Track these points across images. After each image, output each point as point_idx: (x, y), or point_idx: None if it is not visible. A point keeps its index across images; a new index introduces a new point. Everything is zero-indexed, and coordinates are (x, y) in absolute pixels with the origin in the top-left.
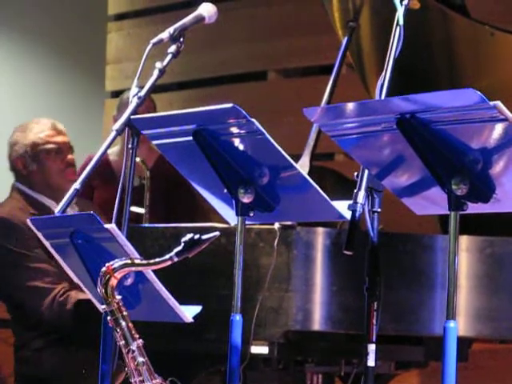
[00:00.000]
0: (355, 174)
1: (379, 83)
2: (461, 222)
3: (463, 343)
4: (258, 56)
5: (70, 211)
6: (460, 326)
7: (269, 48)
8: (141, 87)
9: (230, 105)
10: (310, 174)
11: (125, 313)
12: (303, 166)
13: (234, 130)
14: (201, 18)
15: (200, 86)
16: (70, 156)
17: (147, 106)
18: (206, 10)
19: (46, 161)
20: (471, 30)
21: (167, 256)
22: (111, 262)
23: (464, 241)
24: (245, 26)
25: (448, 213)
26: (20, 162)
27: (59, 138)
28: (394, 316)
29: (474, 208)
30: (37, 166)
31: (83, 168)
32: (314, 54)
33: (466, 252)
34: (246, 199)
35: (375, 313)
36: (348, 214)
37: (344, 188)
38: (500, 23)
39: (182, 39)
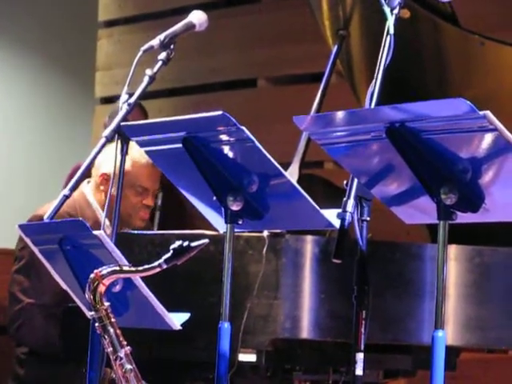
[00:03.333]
0: (344, 182)
1: (369, 92)
2: (449, 231)
3: (451, 352)
4: (248, 63)
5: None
6: (448, 335)
7: (259, 55)
8: (131, 94)
9: (219, 112)
10: (299, 181)
11: (113, 319)
12: (292, 174)
13: (224, 137)
14: (191, 26)
15: (190, 93)
16: (149, 200)
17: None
18: (197, 18)
19: (128, 192)
20: (461, 39)
21: (156, 263)
22: (100, 269)
23: (452, 250)
24: (235, 33)
25: (437, 222)
26: (103, 178)
27: (153, 180)
28: (382, 324)
29: (463, 217)
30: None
31: (71, 175)
32: (304, 62)
33: (454, 261)
34: (235, 207)
35: (363, 321)
36: (337, 223)
37: (333, 196)
38: (491, 33)
39: (172, 46)
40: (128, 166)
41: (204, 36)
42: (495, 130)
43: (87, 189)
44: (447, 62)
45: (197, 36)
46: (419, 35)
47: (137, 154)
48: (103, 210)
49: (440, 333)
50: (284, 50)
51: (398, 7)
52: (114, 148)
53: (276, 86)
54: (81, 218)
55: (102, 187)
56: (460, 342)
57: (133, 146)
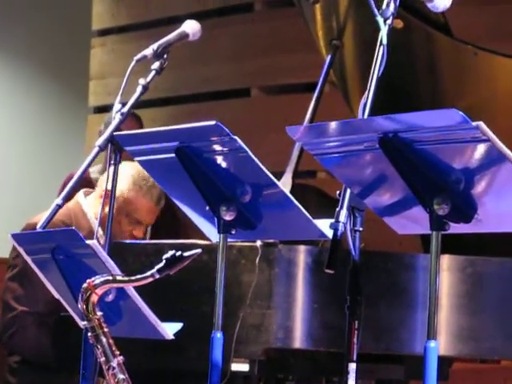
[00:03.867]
0: (337, 192)
1: (362, 102)
2: (442, 241)
3: (444, 362)
4: (242, 73)
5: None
6: (441, 345)
7: (252, 65)
8: (124, 103)
9: (212, 122)
10: (292, 191)
11: (105, 329)
12: (285, 184)
13: (217, 147)
14: (185, 35)
15: (183, 103)
16: (140, 232)
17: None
18: (190, 27)
19: (122, 218)
20: (454, 49)
21: (149, 273)
22: (92, 278)
23: (445, 260)
24: (228, 42)
25: (429, 232)
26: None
27: (150, 217)
28: (374, 334)
29: (455, 228)
30: (114, 213)
31: (64, 185)
32: (297, 72)
33: (447, 271)
34: (228, 217)
35: (356, 331)
36: (330, 233)
37: (326, 206)
38: (483, 44)
39: (165, 56)
40: (133, 195)
41: (197, 45)
42: (488, 140)
43: (83, 199)
44: (440, 72)
45: (190, 45)
46: (412, 45)
47: (145, 186)
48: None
49: (432, 343)
50: (277, 59)
51: (391, 17)
52: (128, 170)
53: (269, 95)
54: (74, 228)
55: (101, 200)
56: (453, 352)
57: (144, 175)
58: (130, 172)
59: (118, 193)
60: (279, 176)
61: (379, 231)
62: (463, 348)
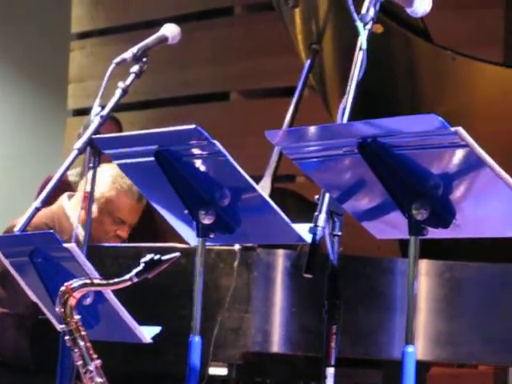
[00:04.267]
0: (316, 197)
1: (341, 107)
2: (421, 246)
3: (421, 367)
4: (221, 77)
5: None
6: (418, 349)
7: (231, 69)
8: (103, 106)
9: (192, 126)
10: (271, 195)
11: (83, 332)
12: (264, 188)
13: (196, 151)
14: (164, 39)
15: (163, 106)
16: (124, 232)
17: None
18: (170, 31)
19: (105, 218)
20: (433, 54)
21: (127, 276)
22: (70, 282)
23: (423, 265)
24: (208, 46)
25: (408, 237)
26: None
27: (133, 215)
28: (352, 339)
29: (434, 233)
30: (97, 214)
31: (42, 188)
32: (276, 76)
33: (425, 276)
34: (207, 220)
35: (334, 336)
36: (308, 237)
37: (305, 210)
38: (461, 49)
39: (145, 59)
40: (113, 194)
41: (177, 49)
42: (467, 146)
43: (67, 202)
44: (419, 77)
45: (169, 49)
46: (392, 50)
47: (125, 185)
48: (82, 225)
49: (410, 348)
50: (257, 63)
51: (370, 22)
52: (107, 171)
53: (249, 99)
54: (53, 231)
55: (82, 204)
56: (430, 356)
57: (122, 175)
58: (109, 172)
59: (98, 194)
60: (258, 180)
61: (358, 236)
62: (441, 353)
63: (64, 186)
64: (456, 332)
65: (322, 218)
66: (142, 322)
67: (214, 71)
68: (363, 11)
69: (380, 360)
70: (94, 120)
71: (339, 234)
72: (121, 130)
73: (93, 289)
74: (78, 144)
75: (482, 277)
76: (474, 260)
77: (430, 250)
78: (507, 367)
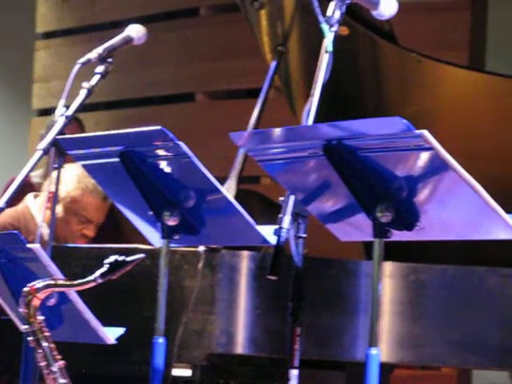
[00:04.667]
0: (280, 198)
1: (306, 109)
2: (385, 248)
3: (385, 369)
4: (187, 78)
5: None
6: (382, 351)
7: (197, 70)
8: (67, 106)
9: (157, 127)
10: (236, 197)
11: (47, 333)
12: (229, 189)
13: (161, 152)
14: (129, 39)
15: (128, 107)
16: (90, 231)
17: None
18: (135, 31)
19: (71, 218)
20: (398, 56)
21: (91, 277)
22: (34, 282)
23: (388, 267)
24: (174, 47)
25: (372, 239)
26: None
27: (99, 214)
28: (316, 341)
29: (398, 235)
30: (63, 213)
31: (6, 188)
32: (242, 77)
33: (389, 278)
34: (172, 222)
35: (298, 338)
36: (273, 239)
37: (270, 212)
38: (427, 51)
39: (110, 59)
40: (79, 193)
41: (142, 49)
42: (431, 148)
43: (32, 202)
44: (385, 80)
45: (135, 49)
46: (357, 52)
47: (90, 184)
48: (48, 226)
49: (374, 350)
50: (223, 64)
51: (336, 24)
52: (72, 170)
53: (214, 100)
54: (18, 231)
55: (47, 204)
56: (394, 358)
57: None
58: (74, 172)
59: (64, 193)
60: (223, 181)
61: (323, 237)
62: (405, 355)
63: (27, 188)
64: (420, 334)
65: (286, 220)
66: (106, 323)
67: (179, 72)
68: (329, 13)
69: (343, 362)
70: (59, 120)
71: (304, 235)
72: (83, 131)
73: (57, 289)
74: (43, 144)
75: (446, 279)
76: (438, 263)
77: (396, 252)
78: (470, 369)
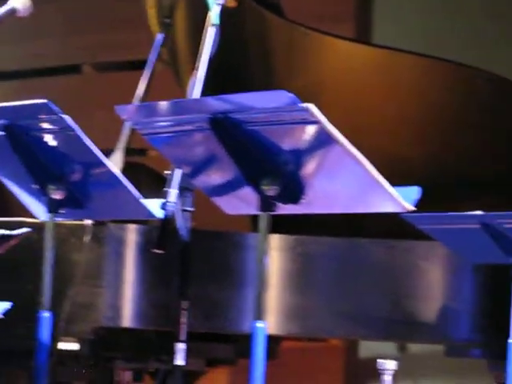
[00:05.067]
0: (167, 172)
1: (191, 82)
2: (273, 221)
3: (273, 341)
4: (73, 49)
5: None
6: (270, 324)
7: (84, 41)
8: None
9: (42, 100)
10: (122, 170)
11: None
12: (116, 163)
13: (46, 125)
14: (14, 10)
15: (13, 79)
16: None
17: None
18: (20, 2)
19: None
20: (286, 29)
21: None
22: None
23: (275, 240)
24: (60, 18)
25: (259, 213)
26: None
27: None
28: (204, 314)
29: (284, 209)
30: None
31: None
32: (128, 49)
33: (276, 251)
34: (57, 196)
35: (185, 311)
36: (160, 213)
37: (158, 185)
38: (315, 24)
39: None
40: None
41: (26, 20)
42: (317, 122)
43: None
44: (272, 53)
45: (20, 20)
46: (245, 25)
47: None
48: None
49: (260, 323)
50: (109, 36)
51: None
52: None
53: (101, 72)
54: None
55: None
56: (281, 331)
57: None
58: None
59: None
60: (110, 154)
61: (210, 210)
62: (292, 327)
63: None
64: (307, 306)
65: (173, 194)
66: None
67: (66, 44)
68: None
69: (231, 334)
70: None
71: (191, 209)
72: None
73: None
74: None
75: (333, 252)
76: (325, 235)
77: (284, 224)
78: (358, 341)
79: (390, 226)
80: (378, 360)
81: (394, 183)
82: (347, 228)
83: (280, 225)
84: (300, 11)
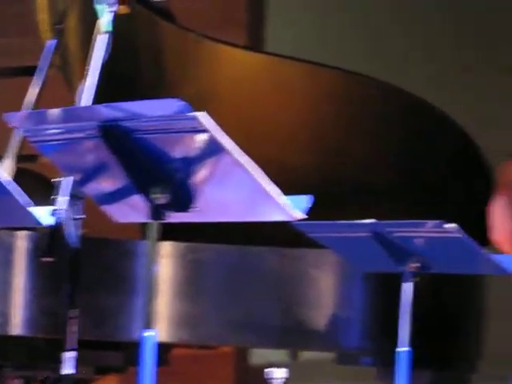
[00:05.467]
0: (56, 179)
1: (80, 89)
2: (167, 227)
3: (164, 348)
4: None
5: None
6: (161, 331)
7: None
8: None
9: None
10: (14, 177)
11: None
12: (6, 169)
13: None
14: None
15: None
16: None
17: None
18: None
19: None
20: (178, 37)
21: None
22: None
23: (166, 247)
24: None
25: (149, 221)
26: None
27: None
28: (93, 321)
29: (175, 217)
30: None
31: None
32: (20, 55)
33: (167, 258)
34: None
35: (75, 319)
36: (50, 220)
37: (48, 192)
38: (207, 31)
39: None
40: None
41: None
42: (207, 131)
43: None
44: (165, 60)
45: None
46: (137, 32)
47: None
48: None
49: (150, 331)
50: (2, 41)
51: (114, 4)
52: None
53: None
54: None
55: None
56: (172, 338)
57: None
58: None
59: None
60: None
61: (101, 217)
62: (183, 334)
63: None
64: (198, 314)
65: (62, 201)
66: None
67: None
68: None
69: (121, 342)
70: None
71: (80, 216)
72: None
73: None
74: None
75: (225, 258)
76: (220, 242)
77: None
78: (247, 348)
79: (285, 233)
80: (266, 370)
81: (287, 191)
82: (242, 235)
83: (174, 231)
84: (192, 18)
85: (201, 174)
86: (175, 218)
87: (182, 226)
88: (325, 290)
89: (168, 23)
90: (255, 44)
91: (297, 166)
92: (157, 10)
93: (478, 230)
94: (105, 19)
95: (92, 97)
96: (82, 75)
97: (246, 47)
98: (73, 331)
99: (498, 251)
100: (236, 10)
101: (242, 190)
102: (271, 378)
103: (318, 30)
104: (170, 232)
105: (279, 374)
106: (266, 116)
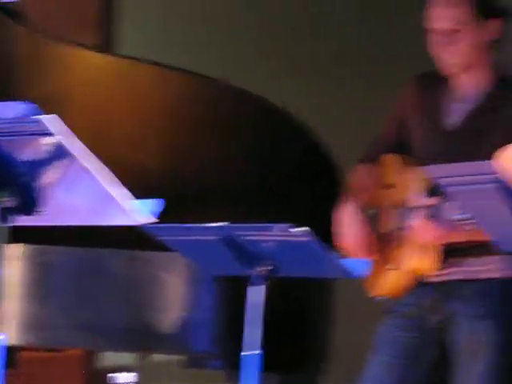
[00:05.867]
0: None
1: None
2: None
3: (13, 351)
4: None
5: None
6: (10, 334)
7: None
8: None
9: None
10: None
11: None
12: None
13: None
14: None
15: None
16: None
17: None
18: None
19: None
20: (28, 38)
21: None
22: None
23: (16, 249)
24: None
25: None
26: None
27: None
28: None
29: (24, 220)
30: None
31: None
32: None
33: (19, 261)
34: None
35: None
36: None
37: None
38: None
39: None
40: None
41: None
42: (54, 134)
43: None
44: (14, 61)
45: None
46: None
47: None
48: None
49: None
50: None
51: None
52: None
53: None
54: None
55: None
56: (21, 341)
57: None
58: None
59: None
60: None
61: None
62: (31, 337)
63: None
64: (46, 316)
65: None
66: None
67: None
68: None
69: None
70: None
71: None
72: None
73: None
74: None
75: (73, 261)
76: (72, 244)
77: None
78: (96, 351)
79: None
80: (109, 375)
81: (137, 194)
82: (93, 238)
83: (24, 233)
84: (45, 19)
85: (48, 177)
86: (24, 221)
87: (32, 228)
88: (174, 293)
89: (17, 25)
90: (108, 46)
91: (150, 169)
92: (5, 10)
93: (327, 231)
94: None
95: None
96: None
97: (98, 49)
98: None
99: (346, 256)
100: (89, 12)
101: (90, 195)
102: (115, 383)
103: (172, 33)
104: (20, 234)
105: (123, 378)
106: (118, 119)
